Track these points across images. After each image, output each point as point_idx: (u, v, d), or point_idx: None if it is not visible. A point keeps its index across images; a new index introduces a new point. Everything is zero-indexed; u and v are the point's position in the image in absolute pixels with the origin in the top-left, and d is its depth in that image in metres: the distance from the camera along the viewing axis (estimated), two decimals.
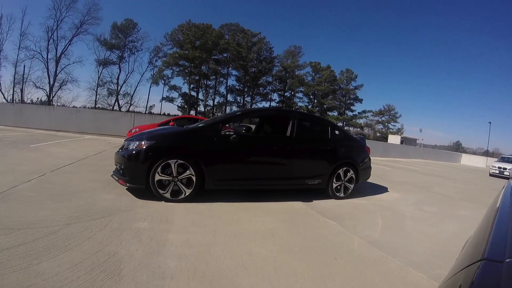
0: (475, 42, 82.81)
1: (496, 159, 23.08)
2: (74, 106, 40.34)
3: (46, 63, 43.73)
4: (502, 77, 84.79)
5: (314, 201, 5.72)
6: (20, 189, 4.25)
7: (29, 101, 43.66)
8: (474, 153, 53.35)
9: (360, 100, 59.25)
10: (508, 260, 0.60)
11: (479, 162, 37.69)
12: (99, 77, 48.37)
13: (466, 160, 40.26)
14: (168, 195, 4.60)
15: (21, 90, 43.14)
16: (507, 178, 15.84)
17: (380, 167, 15.24)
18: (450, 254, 2.74)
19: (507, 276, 0.55)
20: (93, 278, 2.23)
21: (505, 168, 17.99)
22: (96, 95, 48.19)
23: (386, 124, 59.85)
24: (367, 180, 7.34)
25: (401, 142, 41.68)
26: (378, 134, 58.26)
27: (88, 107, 44.68)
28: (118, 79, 49.38)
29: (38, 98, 46.13)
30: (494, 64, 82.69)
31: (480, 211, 6.01)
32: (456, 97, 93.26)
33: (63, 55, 44.83)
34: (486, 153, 47.18)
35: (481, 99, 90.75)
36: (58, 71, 44.74)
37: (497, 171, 18.56)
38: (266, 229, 3.93)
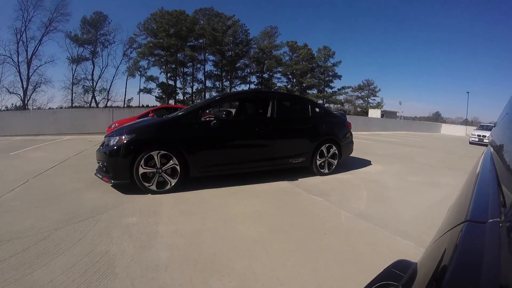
0: (453, 13, 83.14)
1: (476, 128, 23.49)
2: (50, 108, 39.17)
3: (17, 67, 41.95)
4: (479, 47, 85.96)
5: (300, 179, 5.82)
6: (5, 199, 4.18)
7: (3, 108, 42.25)
8: (453, 122, 54.42)
9: (339, 77, 59.24)
10: (491, 220, 0.62)
11: (459, 131, 38.36)
12: (73, 75, 46.70)
13: (446, 129, 40.97)
14: (153, 187, 4.61)
15: None
16: (486, 145, 16.25)
17: (362, 141, 15.51)
18: (435, 221, 2.85)
19: (490, 235, 0.57)
20: (88, 279, 2.25)
21: (484, 136, 18.34)
22: (72, 93, 46.66)
23: (366, 99, 60.18)
24: (350, 155, 7.48)
25: (382, 116, 42.05)
26: (358, 109, 58.58)
27: (65, 107, 43.46)
28: (92, 75, 47.87)
29: (12, 104, 44.54)
30: (471, 33, 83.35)
31: (461, 178, 6.12)
32: (434, 68, 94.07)
33: (34, 56, 42.96)
34: (465, 122, 48.00)
35: (458, 69, 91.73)
36: (30, 74, 42.96)
37: (477, 139, 18.95)
38: (254, 211, 4.00)
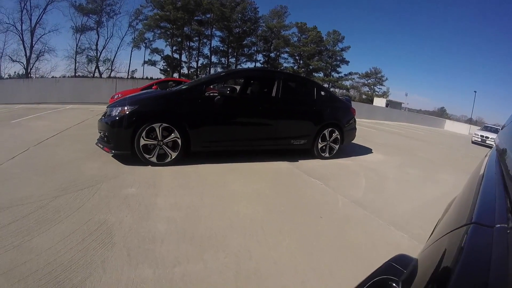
0: (465, 10, 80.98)
1: (479, 128, 23.33)
2: (53, 77, 38.76)
3: (21, 35, 41.32)
4: (491, 47, 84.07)
5: (300, 161, 5.84)
6: (5, 167, 4.20)
7: (6, 76, 41.95)
8: (458, 120, 53.67)
9: (347, 62, 58.31)
10: (498, 225, 0.61)
11: (462, 129, 37.97)
12: (77, 45, 46.02)
13: (450, 126, 40.56)
14: (154, 159, 4.63)
15: None
16: (488, 146, 16.13)
17: (365, 128, 15.42)
18: (431, 217, 2.85)
19: (498, 240, 0.56)
20: (86, 247, 2.29)
21: (487, 137, 18.21)
22: (75, 63, 46.18)
23: (372, 86, 59.53)
24: (352, 141, 7.47)
25: (387, 105, 41.69)
26: (363, 97, 58.04)
27: (68, 76, 43.09)
28: (97, 45, 47.23)
29: (15, 72, 44.22)
30: (485, 33, 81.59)
31: (461, 177, 6.19)
32: (443, 64, 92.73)
33: (38, 25, 42.24)
34: (470, 121, 47.45)
35: (468, 67, 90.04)
36: (34, 42, 42.39)
37: (479, 139, 18.82)
38: (253, 189, 4.02)
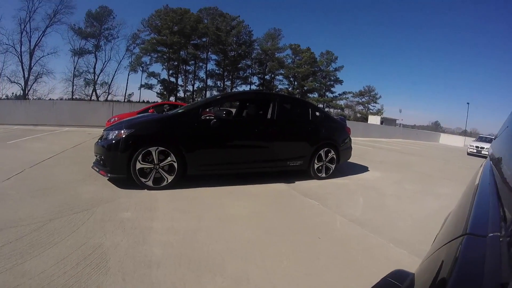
0: (456, 23, 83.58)
1: (474, 139, 23.59)
2: (50, 99, 39.04)
3: (20, 57, 41.99)
4: (480, 58, 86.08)
5: (297, 182, 5.82)
6: (0, 188, 4.17)
7: (4, 96, 42.13)
8: (452, 133, 54.27)
9: (341, 82, 59.48)
10: (491, 234, 0.61)
11: (457, 141, 38.39)
12: (75, 68, 46.80)
13: (445, 139, 40.99)
14: (150, 183, 4.60)
15: None
16: (484, 156, 16.24)
17: (361, 147, 15.50)
18: (431, 231, 2.82)
19: (491, 249, 0.56)
20: (80, 272, 2.24)
21: (482, 148, 18.43)
22: (73, 86, 46.71)
23: (366, 105, 60.55)
24: (348, 160, 7.49)
25: (381, 123, 42.15)
26: (358, 115, 58.87)
27: (65, 99, 43.40)
28: (94, 68, 48.00)
29: (13, 93, 44.47)
30: (473, 45, 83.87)
31: (459, 189, 6.13)
32: (435, 78, 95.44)
33: (37, 47, 43.06)
34: (464, 133, 48.19)
35: (459, 79, 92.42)
36: (32, 64, 43.02)
37: (475, 150, 19.05)
38: (250, 212, 3.99)
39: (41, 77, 44.12)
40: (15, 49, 41.67)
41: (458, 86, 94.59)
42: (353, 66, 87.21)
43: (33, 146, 8.32)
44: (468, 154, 19.45)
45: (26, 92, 42.82)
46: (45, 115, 18.23)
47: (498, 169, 1.17)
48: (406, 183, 6.86)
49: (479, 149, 18.71)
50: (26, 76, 42.76)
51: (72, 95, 46.35)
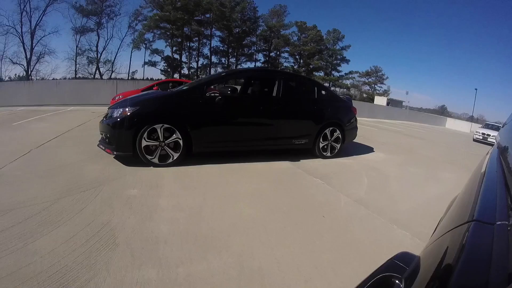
0: (466, 8, 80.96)
1: (481, 125, 23.20)
2: (54, 79, 38.83)
3: (21, 37, 41.32)
4: (492, 45, 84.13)
5: (302, 161, 5.84)
6: (7, 169, 4.20)
7: (7, 78, 42.01)
8: (459, 118, 53.33)
9: (347, 61, 58.19)
10: (499, 222, 0.61)
11: (463, 127, 37.72)
12: (77, 46, 46.06)
13: (451, 124, 40.30)
14: (156, 160, 4.64)
15: None
16: (490, 144, 16.04)
17: (366, 127, 15.40)
18: (433, 214, 2.85)
19: (499, 237, 0.57)
20: (89, 249, 2.30)
21: (488, 135, 18.12)
22: (76, 64, 46.19)
23: (373, 85, 59.38)
24: (353, 140, 7.48)
25: (387, 104, 41.60)
26: (364, 95, 57.94)
27: (69, 78, 43.11)
28: (97, 46, 47.27)
29: (16, 74, 44.28)
30: (484, 31, 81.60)
31: (463, 175, 6.19)
32: (444, 62, 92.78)
33: (38, 26, 42.23)
34: (471, 119, 47.26)
35: (468, 65, 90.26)
36: (34, 44, 42.41)
37: (481, 137, 18.74)
38: (255, 189, 4.02)
39: (43, 57, 43.70)
40: (16, 30, 41.06)
41: (467, 72, 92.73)
42: (361, 45, 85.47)
43: (38, 127, 8.37)
44: (474, 140, 19.19)
45: (29, 72, 42.57)
46: (49, 95, 18.20)
47: (505, 158, 1.16)
48: (410, 166, 6.85)
49: (485, 136, 18.44)
50: (28, 56, 42.36)
51: (76, 74, 46.06)
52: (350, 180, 4.94)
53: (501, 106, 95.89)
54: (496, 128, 18.62)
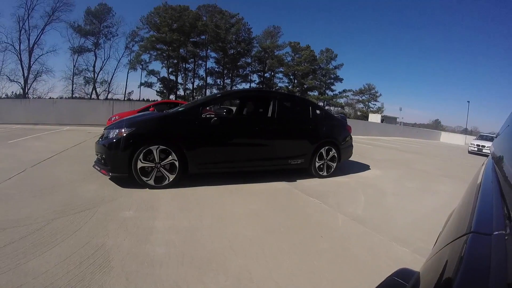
0: (456, 22, 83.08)
1: (475, 137, 23.57)
2: (50, 98, 38.87)
3: (19, 55, 41.75)
4: (481, 57, 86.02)
5: (298, 181, 5.82)
6: (1, 187, 4.16)
7: (4, 95, 42.04)
8: (453, 131, 54.18)
9: (341, 80, 59.25)
10: (496, 233, 0.61)
11: (458, 140, 38.31)
12: (74, 66, 46.58)
13: (446, 138, 40.91)
14: (151, 181, 4.60)
15: None
16: (485, 155, 16.22)
17: (362, 145, 15.49)
18: (431, 229, 2.86)
19: (497, 248, 0.56)
20: (83, 271, 2.25)
21: (483, 146, 18.39)
22: (73, 84, 46.52)
23: (367, 103, 60.30)
24: (349, 158, 7.50)
25: (382, 121, 42.10)
26: (358, 113, 58.71)
27: (65, 98, 43.20)
28: (94, 66, 47.80)
29: (12, 92, 44.32)
30: (474, 43, 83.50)
31: (459, 187, 6.22)
32: (435, 76, 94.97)
33: (36, 45, 42.82)
34: (465, 131, 47.91)
35: (460, 78, 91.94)
36: (32, 62, 42.84)
37: (476, 149, 19.01)
38: (252, 210, 4.00)
39: (40, 76, 43.96)
40: (14, 48, 41.49)
41: (459, 85, 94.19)
42: (353, 64, 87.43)
43: (34, 145, 8.33)
44: (469, 152, 19.43)
45: (26, 90, 42.70)
46: (45, 114, 18.17)
47: (500, 168, 1.17)
48: (406, 181, 6.88)
49: (480, 147, 18.69)
50: (25, 74, 42.61)
51: (72, 94, 46.24)
52: (347, 198, 4.93)
53: (494, 117, 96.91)
54: (490, 139, 18.82)
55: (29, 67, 42.72)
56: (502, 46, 77.63)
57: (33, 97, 40.19)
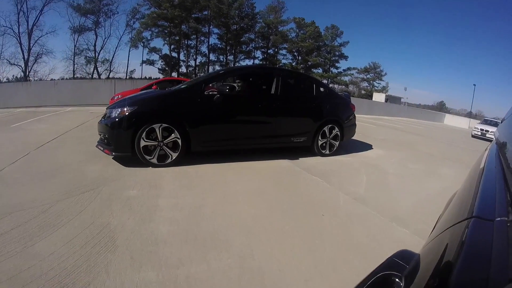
0: (465, 5, 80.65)
1: (479, 121, 23.29)
2: (52, 79, 38.54)
3: (18, 38, 41.09)
4: (489, 40, 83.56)
5: (300, 159, 5.84)
6: (6, 172, 4.20)
7: (5, 79, 41.87)
8: (457, 114, 53.17)
9: (346, 57, 57.89)
10: (499, 219, 0.61)
11: (462, 123, 37.70)
12: (75, 46, 45.88)
13: (450, 120, 40.26)
14: (155, 160, 4.63)
15: None
16: (488, 140, 16.03)
17: (365, 124, 15.36)
18: (432, 211, 2.85)
19: (498, 233, 0.56)
20: (89, 251, 2.29)
21: (487, 131, 18.17)
22: (74, 64, 46.01)
23: (371, 82, 59.20)
24: (352, 138, 7.46)
25: (386, 100, 41.73)
26: (363, 92, 57.92)
27: (67, 78, 42.92)
28: (95, 45, 47.06)
29: (13, 76, 44.08)
30: (482, 26, 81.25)
31: (462, 170, 6.20)
32: (442, 57, 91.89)
33: (35, 26, 42.06)
34: (469, 115, 47.24)
35: (466, 60, 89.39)
36: (31, 45, 42.28)
37: (479, 133, 18.79)
38: (254, 188, 4.02)
39: (41, 58, 43.48)
40: (13, 31, 40.81)
41: (465, 67, 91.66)
42: (359, 41, 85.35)
43: (36, 128, 8.35)
44: (473, 136, 19.24)
45: (27, 73, 42.42)
46: (47, 95, 18.13)
47: (504, 153, 1.16)
48: (409, 162, 6.86)
49: (484, 132, 18.49)
50: (25, 57, 42.20)
51: (74, 74, 45.90)
52: (349, 178, 4.94)
53: (500, 102, 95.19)
54: (495, 124, 18.63)
55: (29, 49, 42.26)
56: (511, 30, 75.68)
57: (34, 80, 39.95)
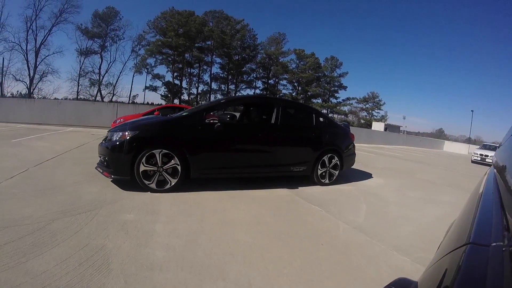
0: (459, 30, 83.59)
1: (478, 147, 23.59)
2: (55, 98, 39.09)
3: (25, 55, 42.26)
4: (486, 66, 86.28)
5: (300, 188, 5.80)
6: (3, 186, 4.18)
7: (9, 94, 42.38)
8: (456, 140, 54.04)
9: (345, 88, 59.51)
10: (494, 244, 0.61)
11: (461, 149, 38.21)
12: (80, 67, 47.09)
13: (449, 147, 40.76)
14: (153, 185, 4.60)
15: (1, 84, 41.75)
16: (488, 164, 16.18)
17: (364, 153, 15.44)
18: (433, 238, 2.84)
19: (494, 259, 0.56)
20: (82, 273, 2.24)
21: (486, 155, 18.43)
22: (78, 85, 46.99)
23: (370, 111, 60.44)
24: (352, 167, 7.46)
25: (385, 129, 42.20)
26: (362, 121, 58.89)
27: (70, 99, 43.46)
28: (100, 68, 48.29)
29: (18, 91, 44.71)
30: (478, 52, 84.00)
31: (462, 197, 6.19)
32: (439, 85, 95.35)
33: (42, 45, 43.34)
34: (468, 141, 47.94)
35: (464, 87, 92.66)
36: (38, 63, 43.29)
37: (479, 158, 19.03)
38: (253, 216, 3.98)
39: (46, 76, 44.43)
40: (21, 47, 41.97)
41: (463, 94, 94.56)
42: (358, 72, 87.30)
43: (37, 145, 8.36)
44: (473, 162, 19.41)
45: (31, 90, 43.04)
46: (50, 114, 18.30)
47: (502, 178, 1.16)
48: (408, 190, 6.85)
49: (483, 157, 18.70)
50: (31, 74, 43.02)
51: (77, 95, 46.60)
52: (349, 207, 4.91)
53: (498, 126, 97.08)
54: (494, 148, 18.87)
55: (35, 67, 43.14)
56: (508, 55, 77.68)
57: (38, 97, 40.50)
